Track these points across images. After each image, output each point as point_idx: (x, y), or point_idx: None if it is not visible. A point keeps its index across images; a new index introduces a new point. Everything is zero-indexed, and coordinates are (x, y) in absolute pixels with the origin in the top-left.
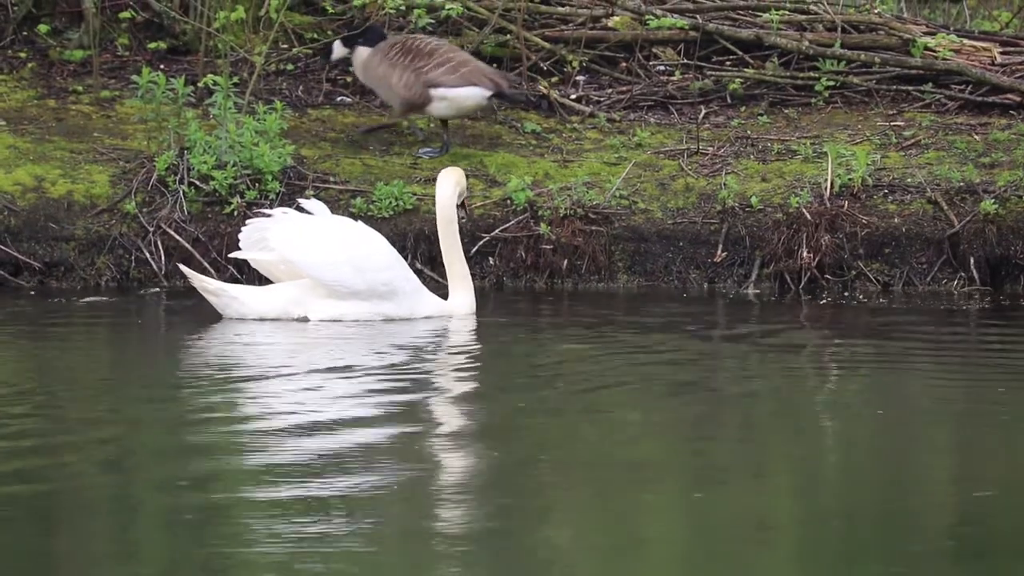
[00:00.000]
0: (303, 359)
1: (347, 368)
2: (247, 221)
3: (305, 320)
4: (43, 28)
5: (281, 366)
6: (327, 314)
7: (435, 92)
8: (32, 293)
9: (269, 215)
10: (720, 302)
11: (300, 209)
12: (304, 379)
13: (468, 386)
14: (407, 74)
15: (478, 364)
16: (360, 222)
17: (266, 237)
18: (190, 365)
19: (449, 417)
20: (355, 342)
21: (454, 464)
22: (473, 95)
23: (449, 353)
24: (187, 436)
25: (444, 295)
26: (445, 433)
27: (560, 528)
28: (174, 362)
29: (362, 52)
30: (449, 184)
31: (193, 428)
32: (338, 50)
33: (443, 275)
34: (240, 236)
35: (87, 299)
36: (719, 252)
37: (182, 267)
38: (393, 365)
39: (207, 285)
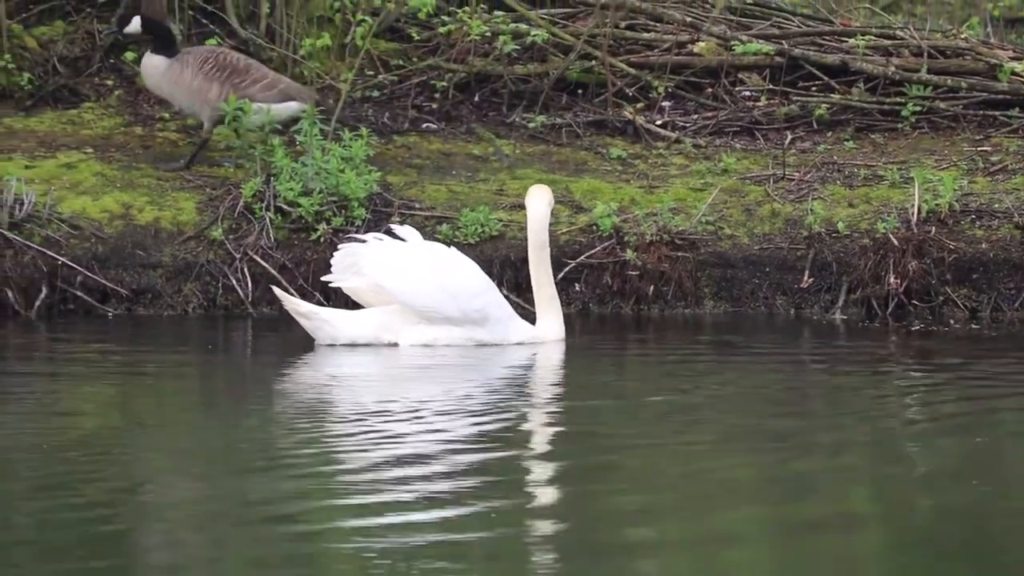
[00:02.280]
0: (396, 389)
1: (440, 398)
2: (339, 246)
3: (396, 346)
4: (129, 56)
5: (375, 397)
6: (418, 340)
7: (254, 107)
8: (120, 320)
9: (362, 240)
10: (807, 328)
11: (392, 235)
12: (396, 411)
13: (561, 418)
14: (226, 88)
15: (570, 394)
16: (453, 248)
17: (358, 263)
18: (283, 396)
19: (541, 450)
20: (447, 370)
21: (545, 500)
22: (291, 108)
23: (541, 383)
24: (280, 472)
25: (531, 320)
26: (537, 467)
27: (651, 561)
28: (268, 393)
29: (158, 60)
30: (543, 203)
31: (286, 463)
32: (135, 26)
33: (530, 301)
34: (332, 261)
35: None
36: (806, 278)
37: (276, 290)
38: (486, 396)
39: (300, 308)
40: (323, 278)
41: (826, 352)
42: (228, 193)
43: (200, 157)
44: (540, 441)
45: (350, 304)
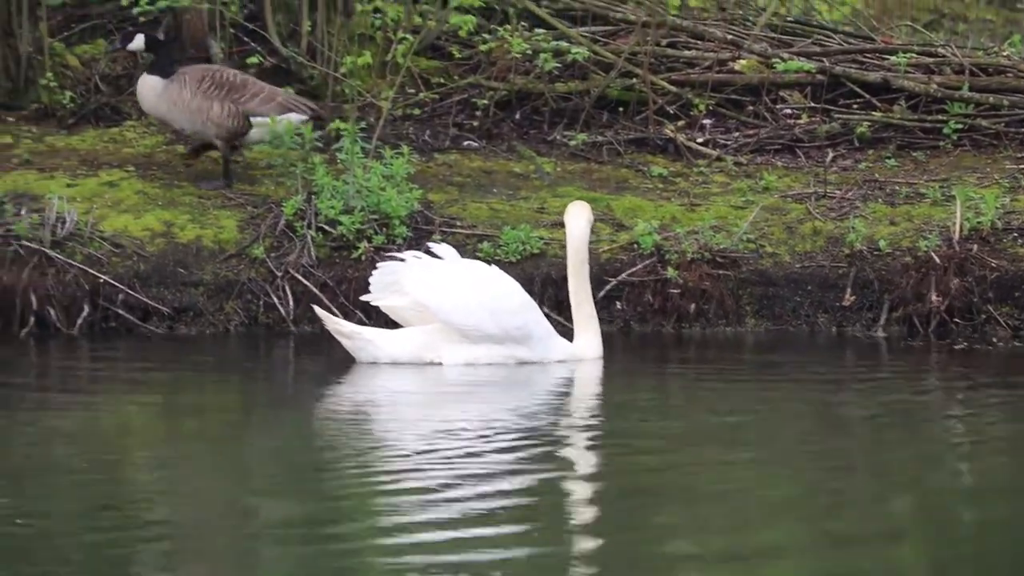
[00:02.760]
0: (438, 408)
1: (482, 418)
2: (378, 265)
3: (438, 365)
4: None
5: (418, 416)
6: (460, 359)
7: (255, 120)
8: (161, 338)
9: (400, 259)
10: (849, 346)
11: (430, 253)
12: (439, 431)
13: (603, 438)
14: (227, 105)
15: (612, 414)
16: (494, 266)
17: (398, 281)
18: (325, 415)
19: (582, 470)
20: (487, 389)
21: (586, 518)
22: (290, 120)
23: (583, 402)
24: (322, 491)
25: (568, 338)
26: (578, 486)
27: None
28: (310, 412)
29: (154, 81)
30: (582, 219)
31: (328, 482)
32: (138, 43)
33: (570, 319)
34: (371, 280)
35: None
36: (847, 296)
37: (317, 309)
38: (528, 415)
39: (341, 328)
40: (362, 297)
41: (868, 371)
42: (269, 211)
43: (236, 173)
44: (582, 461)
45: (390, 323)
